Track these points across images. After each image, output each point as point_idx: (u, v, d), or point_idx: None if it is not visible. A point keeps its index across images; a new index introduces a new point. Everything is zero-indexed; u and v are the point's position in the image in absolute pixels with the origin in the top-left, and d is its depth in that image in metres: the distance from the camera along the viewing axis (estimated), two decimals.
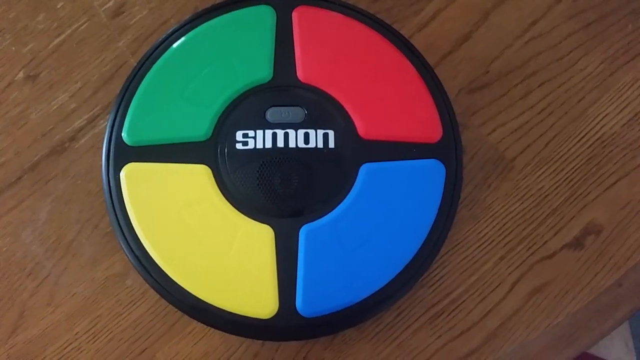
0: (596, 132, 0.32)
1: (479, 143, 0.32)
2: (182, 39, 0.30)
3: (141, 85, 0.29)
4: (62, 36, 0.34)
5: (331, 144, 0.28)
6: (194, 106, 0.29)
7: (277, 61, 0.30)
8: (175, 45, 0.30)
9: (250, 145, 0.28)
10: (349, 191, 0.28)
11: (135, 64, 0.30)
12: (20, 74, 0.33)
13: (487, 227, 0.31)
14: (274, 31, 0.30)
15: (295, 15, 0.30)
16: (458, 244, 0.31)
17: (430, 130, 0.29)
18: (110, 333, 0.30)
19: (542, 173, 0.32)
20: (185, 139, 0.28)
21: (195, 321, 0.28)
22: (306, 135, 0.28)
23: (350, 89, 0.29)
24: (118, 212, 0.28)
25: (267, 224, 0.27)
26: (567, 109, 0.32)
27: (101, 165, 0.29)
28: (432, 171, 0.28)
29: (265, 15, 0.30)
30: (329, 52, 0.30)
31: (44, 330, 0.30)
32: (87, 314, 0.30)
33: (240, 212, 0.28)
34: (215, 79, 0.29)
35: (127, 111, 0.29)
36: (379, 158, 0.28)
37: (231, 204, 0.28)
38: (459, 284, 0.30)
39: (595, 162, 0.32)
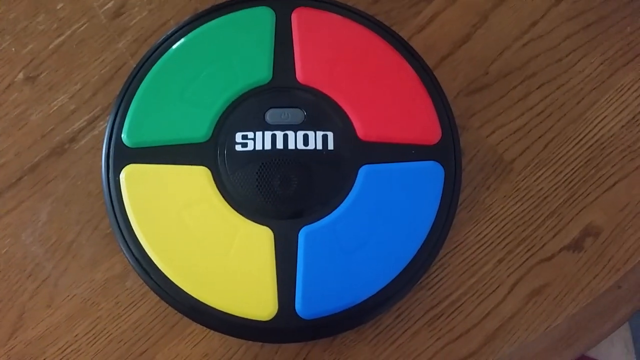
0: (595, 134, 0.32)
1: (478, 145, 0.32)
2: (182, 40, 0.30)
3: (141, 87, 0.30)
4: (62, 37, 0.34)
5: (330, 146, 0.28)
6: (193, 107, 0.29)
7: (276, 63, 0.30)
8: (174, 46, 0.30)
9: (250, 147, 0.28)
10: (348, 193, 0.28)
11: (134, 65, 0.30)
12: (20, 75, 0.33)
13: (486, 228, 0.31)
14: (274, 33, 0.30)
15: (294, 16, 0.30)
16: (457, 245, 0.31)
17: (429, 132, 0.29)
18: (110, 335, 0.30)
19: (541, 175, 0.32)
20: (184, 141, 0.29)
21: (195, 323, 0.28)
22: (305, 137, 0.28)
23: (349, 91, 0.29)
24: (118, 214, 0.28)
25: (267, 226, 0.27)
26: (566, 111, 0.32)
27: (101, 167, 0.29)
28: (431, 173, 0.29)
29: (264, 17, 0.30)
30: (328, 54, 0.30)
31: (44, 332, 0.30)
32: (86, 316, 0.30)
33: (240, 213, 0.28)
34: (215, 81, 0.29)
35: (126, 112, 0.29)
36: (378, 160, 0.28)
37: (230, 205, 0.28)
38: (458, 286, 0.30)
39: (594, 164, 0.32)
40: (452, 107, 0.30)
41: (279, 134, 0.28)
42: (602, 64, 0.33)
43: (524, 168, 0.32)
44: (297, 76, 0.30)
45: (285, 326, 0.27)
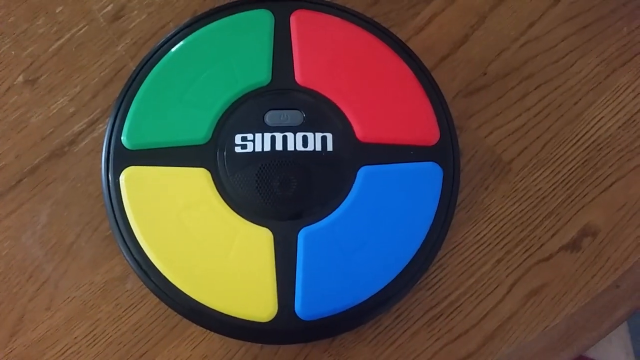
0: (592, 135, 0.32)
1: (476, 145, 0.32)
2: (181, 42, 0.30)
3: (140, 89, 0.30)
4: (62, 40, 0.34)
5: (329, 147, 0.28)
6: (193, 110, 0.29)
7: (275, 65, 0.30)
8: (174, 49, 0.30)
9: (249, 149, 0.28)
10: (347, 194, 0.28)
11: (134, 68, 0.30)
12: (20, 78, 0.33)
13: (484, 229, 0.31)
14: (273, 35, 0.30)
15: (293, 19, 0.31)
16: (456, 246, 0.31)
17: (428, 133, 0.29)
18: (109, 337, 0.30)
19: (539, 175, 0.32)
20: (184, 143, 0.29)
21: (195, 325, 0.28)
22: (305, 139, 0.28)
23: (348, 92, 0.30)
24: (118, 216, 0.28)
25: (266, 227, 0.28)
26: (563, 112, 0.33)
27: (101, 169, 0.29)
28: (430, 174, 0.29)
29: (263, 19, 0.31)
30: (327, 56, 0.30)
31: (44, 334, 0.30)
32: (86, 318, 0.30)
33: (239, 215, 0.28)
34: (214, 83, 0.30)
35: (126, 115, 0.29)
36: (377, 161, 0.28)
37: (230, 207, 0.28)
38: (457, 286, 0.30)
39: (592, 164, 0.32)
40: (450, 108, 0.30)
41: (279, 136, 0.28)
42: (599, 64, 0.33)
43: (522, 168, 0.32)
44: (296, 78, 0.30)
45: (284, 327, 0.27)
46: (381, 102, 0.30)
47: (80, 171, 0.32)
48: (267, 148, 0.28)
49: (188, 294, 0.27)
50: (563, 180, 0.32)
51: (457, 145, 0.29)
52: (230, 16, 0.31)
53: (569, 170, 0.32)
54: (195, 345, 0.30)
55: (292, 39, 0.30)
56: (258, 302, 0.27)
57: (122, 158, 0.29)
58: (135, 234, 0.28)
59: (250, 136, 0.28)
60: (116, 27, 0.34)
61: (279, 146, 0.28)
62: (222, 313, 0.27)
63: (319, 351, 0.30)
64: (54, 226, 0.31)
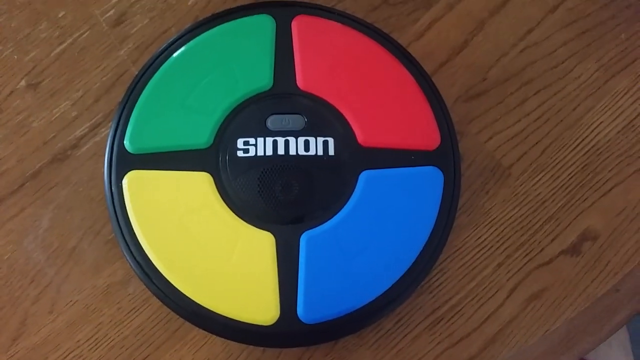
0: (591, 140, 0.33)
1: (476, 150, 0.32)
2: (183, 47, 0.31)
3: (143, 94, 0.30)
4: (64, 45, 0.34)
5: (331, 151, 0.28)
6: (195, 114, 0.29)
7: (277, 69, 0.30)
8: (176, 54, 0.30)
9: (251, 153, 0.28)
10: (348, 198, 0.28)
11: (136, 73, 0.31)
12: (22, 82, 0.33)
13: (485, 233, 0.31)
14: (274, 40, 0.31)
15: (294, 24, 0.31)
16: (457, 250, 0.31)
17: (428, 137, 0.30)
18: (112, 341, 0.30)
19: (539, 180, 0.32)
20: (186, 147, 0.29)
21: (197, 328, 0.28)
22: (306, 143, 0.28)
23: (349, 97, 0.30)
24: (120, 220, 0.28)
25: (268, 231, 0.28)
26: (562, 117, 0.33)
27: (103, 173, 0.29)
28: (431, 178, 0.29)
29: (265, 25, 0.31)
30: (328, 61, 0.30)
31: (46, 338, 0.30)
32: (88, 322, 0.30)
33: (242, 219, 0.28)
34: (216, 87, 0.30)
35: (129, 119, 0.29)
36: (378, 165, 0.29)
37: (232, 210, 0.28)
38: (458, 290, 0.30)
39: (591, 169, 0.32)
40: (450, 113, 0.30)
41: (280, 140, 0.28)
42: (597, 70, 0.33)
43: (522, 173, 0.32)
44: (297, 83, 0.30)
45: (287, 331, 0.27)
46: (382, 107, 0.30)
47: (82, 175, 0.32)
48: (269, 152, 0.28)
49: (190, 297, 0.27)
50: (563, 185, 0.32)
51: (457, 150, 0.30)
52: (232, 21, 0.31)
53: (568, 175, 0.32)
54: (197, 349, 0.30)
55: (294, 44, 0.30)
56: (260, 306, 0.27)
57: (125, 162, 0.29)
58: (138, 238, 0.28)
59: (252, 140, 0.29)
60: (118, 32, 0.34)
61: (280, 150, 0.28)
62: (224, 316, 0.27)
63: (320, 354, 0.30)
64: (56, 230, 0.31)
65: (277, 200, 0.28)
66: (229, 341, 0.29)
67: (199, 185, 0.28)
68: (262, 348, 0.30)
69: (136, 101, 0.30)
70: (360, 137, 0.29)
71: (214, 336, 0.29)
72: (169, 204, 0.28)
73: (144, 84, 0.30)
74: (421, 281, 0.28)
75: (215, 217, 0.28)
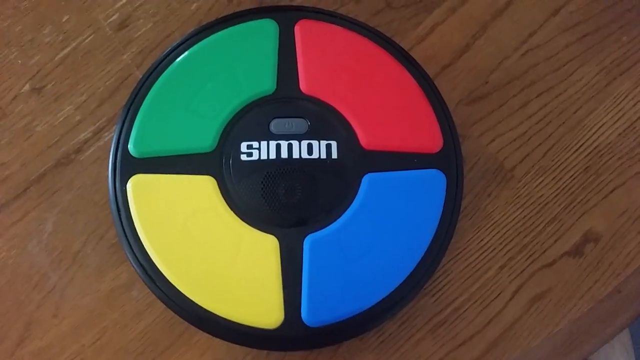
0: (593, 142, 0.33)
1: (478, 153, 0.32)
2: (187, 52, 0.31)
3: (147, 98, 0.30)
4: (68, 49, 0.34)
5: (334, 155, 0.29)
6: (199, 118, 0.29)
7: (280, 73, 0.30)
8: (180, 58, 0.31)
9: (255, 156, 0.28)
10: (352, 201, 0.28)
11: (140, 77, 0.31)
12: (26, 87, 0.34)
13: (488, 235, 0.31)
14: (277, 44, 0.31)
15: (297, 28, 0.31)
16: (460, 252, 0.31)
17: (431, 140, 0.30)
18: (116, 345, 0.30)
19: (541, 182, 0.32)
20: (190, 151, 0.29)
21: (201, 331, 0.28)
22: (309, 146, 0.29)
23: (352, 101, 0.30)
24: (124, 223, 0.28)
25: (272, 234, 0.28)
26: (564, 119, 0.33)
27: (107, 177, 0.29)
28: (434, 181, 0.29)
29: (268, 29, 0.31)
30: (330, 65, 0.31)
31: (50, 342, 0.30)
32: (93, 326, 0.30)
33: (245, 222, 0.28)
34: (220, 91, 0.30)
35: (133, 123, 0.30)
36: (381, 168, 0.29)
37: (236, 214, 0.28)
38: (461, 293, 0.31)
39: (593, 170, 0.32)
40: (452, 116, 0.30)
41: (284, 144, 0.28)
42: (599, 73, 0.34)
43: (525, 175, 0.32)
44: (300, 87, 0.30)
45: (291, 334, 0.27)
46: (385, 110, 0.30)
47: (86, 179, 0.32)
48: (273, 156, 0.28)
49: (194, 300, 0.27)
50: (565, 187, 0.32)
51: (460, 152, 0.30)
52: (235, 26, 0.31)
53: (570, 177, 0.32)
54: (201, 353, 0.30)
55: (297, 48, 0.31)
56: (264, 309, 0.27)
57: (129, 166, 0.29)
58: (142, 242, 0.28)
59: (255, 144, 0.29)
60: (122, 36, 0.34)
61: (284, 154, 0.28)
62: (228, 320, 0.27)
63: (324, 358, 0.30)
64: (60, 234, 0.31)
65: (281, 203, 0.28)
66: (233, 344, 0.29)
67: (202, 189, 0.28)
68: (266, 351, 0.30)
69: (140, 105, 0.30)
70: (363, 141, 0.29)
71: (218, 340, 0.29)
72: (173, 207, 0.28)
73: (147, 88, 0.30)
74: (424, 284, 0.28)
75: (219, 221, 0.28)
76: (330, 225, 0.28)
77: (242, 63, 0.30)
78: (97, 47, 0.34)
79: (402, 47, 0.32)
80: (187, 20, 0.35)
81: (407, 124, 0.30)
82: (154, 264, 0.28)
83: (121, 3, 0.35)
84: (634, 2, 0.35)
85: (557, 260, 0.31)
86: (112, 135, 0.30)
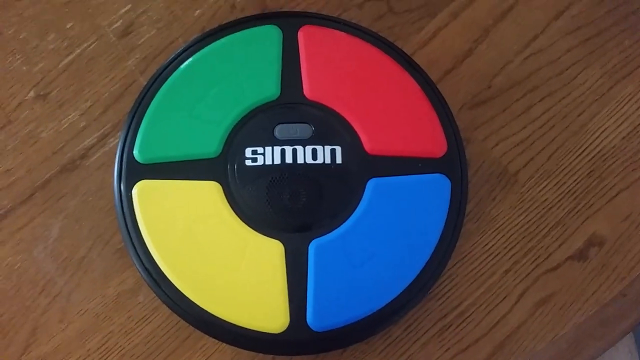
0: (597, 146, 0.33)
1: (482, 157, 0.33)
2: (191, 58, 0.31)
3: (152, 104, 0.30)
4: (72, 55, 0.34)
5: (338, 160, 0.29)
6: (204, 124, 0.30)
7: (284, 79, 0.30)
8: (184, 64, 0.31)
9: (260, 162, 0.29)
10: (356, 206, 0.28)
11: (145, 83, 0.31)
12: (31, 93, 0.34)
13: (492, 239, 0.31)
14: (281, 50, 0.31)
15: (300, 34, 0.31)
16: (465, 256, 0.31)
17: (435, 145, 0.30)
18: (122, 349, 0.30)
19: (545, 186, 0.32)
20: (195, 156, 0.29)
21: (207, 336, 0.29)
22: (314, 152, 0.29)
23: (355, 106, 0.30)
24: (130, 229, 0.28)
25: (277, 239, 0.28)
26: (568, 123, 0.33)
27: (113, 183, 0.29)
28: (438, 185, 0.29)
29: (271, 35, 0.31)
30: (334, 70, 0.31)
31: (57, 347, 0.30)
32: (99, 331, 0.30)
33: (251, 227, 0.28)
34: (224, 97, 0.30)
35: (138, 129, 0.30)
36: (386, 173, 0.29)
37: (241, 219, 0.28)
38: (466, 297, 0.31)
39: (597, 174, 0.32)
40: (456, 121, 0.31)
41: (288, 149, 0.29)
42: (601, 77, 0.34)
43: (529, 179, 0.32)
44: (304, 92, 0.30)
45: (296, 338, 0.27)
46: (388, 114, 0.30)
47: (91, 185, 0.32)
48: (277, 161, 0.28)
49: (200, 305, 0.27)
50: (569, 191, 0.32)
51: (464, 157, 0.30)
52: (239, 32, 0.31)
53: (574, 180, 0.32)
54: (207, 357, 0.30)
55: (300, 54, 0.31)
56: (270, 314, 0.27)
57: (135, 172, 0.29)
58: (148, 247, 0.28)
59: (260, 149, 0.29)
60: (126, 43, 0.34)
61: (288, 159, 0.28)
62: (234, 324, 0.27)
63: None
64: (66, 240, 0.31)
65: (286, 208, 0.28)
66: (238, 349, 0.29)
67: (208, 194, 0.28)
68: (271, 356, 0.30)
69: (145, 111, 0.30)
70: (367, 145, 0.29)
71: (224, 344, 0.29)
72: (179, 213, 0.28)
73: (152, 94, 0.30)
74: (430, 288, 0.28)
75: (225, 226, 0.28)
76: (335, 230, 0.28)
77: (246, 69, 0.30)
78: (101, 53, 0.34)
79: (405, 51, 0.32)
80: (191, 26, 0.35)
81: (411, 129, 0.30)
82: (159, 268, 0.28)
83: (124, 10, 0.35)
84: (636, 5, 0.35)
85: (562, 264, 0.31)
86: (116, 141, 0.31)
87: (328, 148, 0.29)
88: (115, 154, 0.30)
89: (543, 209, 0.32)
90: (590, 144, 0.33)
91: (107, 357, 0.30)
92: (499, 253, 0.31)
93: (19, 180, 0.32)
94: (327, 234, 0.28)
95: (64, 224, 0.32)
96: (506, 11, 0.35)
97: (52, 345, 0.30)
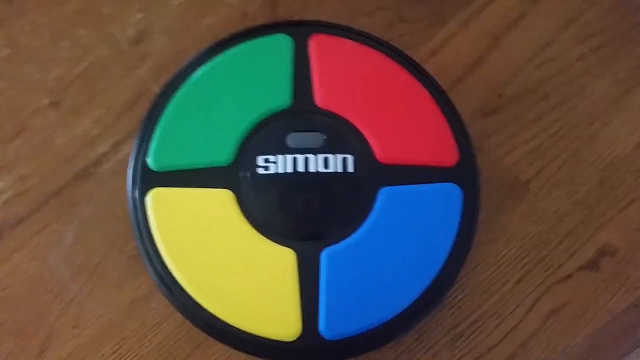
0: (608, 155, 0.33)
1: (494, 166, 0.33)
2: (203, 67, 0.31)
3: (165, 112, 0.30)
4: (85, 63, 0.35)
5: (350, 169, 0.29)
6: (216, 132, 0.30)
7: (296, 88, 0.30)
8: (196, 73, 0.31)
9: (272, 170, 0.29)
10: (368, 215, 0.28)
11: (157, 91, 0.31)
12: (45, 101, 0.34)
13: (504, 249, 0.31)
14: (292, 59, 0.31)
15: (311, 43, 0.31)
16: (476, 266, 0.31)
17: (447, 154, 0.30)
18: (135, 356, 0.30)
19: (557, 195, 0.32)
20: (208, 164, 0.29)
21: (219, 343, 0.29)
22: (326, 160, 0.29)
23: (367, 114, 0.30)
24: (144, 236, 0.28)
25: (290, 247, 0.28)
26: (579, 132, 0.33)
27: (127, 191, 0.30)
28: (450, 195, 0.29)
29: (282, 44, 0.31)
30: (345, 79, 0.31)
31: (71, 353, 0.30)
32: (112, 337, 0.30)
33: (263, 235, 0.28)
34: (237, 106, 0.30)
35: (152, 137, 0.30)
36: (397, 182, 0.29)
37: (254, 227, 0.28)
38: (479, 306, 0.31)
39: (609, 184, 0.32)
40: (467, 129, 0.31)
41: (300, 158, 0.29)
42: (613, 85, 0.34)
43: (540, 189, 0.32)
44: (316, 101, 0.30)
45: (309, 347, 0.27)
46: (400, 123, 0.30)
47: (105, 193, 0.32)
48: (290, 170, 0.29)
49: (213, 312, 0.27)
50: (580, 201, 0.32)
51: (476, 166, 0.30)
52: (250, 41, 0.32)
53: (586, 190, 0.32)
54: None
55: (311, 63, 0.31)
56: (282, 322, 0.27)
57: (148, 180, 0.29)
58: (161, 254, 0.28)
59: (272, 158, 0.29)
60: (138, 51, 0.35)
61: (301, 168, 0.29)
62: (246, 332, 0.27)
63: None
64: (80, 246, 0.32)
65: (298, 217, 0.28)
66: (251, 357, 0.29)
67: (221, 202, 0.29)
68: None
69: (158, 119, 0.30)
70: (379, 154, 0.29)
71: (236, 352, 0.30)
72: (192, 221, 0.29)
73: (165, 102, 0.31)
74: (442, 297, 0.28)
75: (237, 234, 0.28)
76: (348, 239, 0.28)
77: (258, 78, 0.31)
78: (114, 62, 0.35)
79: (416, 60, 0.32)
80: (202, 35, 0.35)
81: (423, 138, 0.30)
82: (173, 276, 0.28)
83: (137, 18, 0.35)
84: None
85: (574, 275, 0.31)
86: (130, 149, 0.31)
87: (340, 157, 0.29)
88: (129, 162, 0.30)
89: (555, 218, 0.32)
90: (602, 153, 0.33)
91: None
92: (511, 263, 0.31)
93: (34, 187, 0.33)
94: (339, 243, 0.28)
95: (78, 231, 0.32)
96: (517, 20, 0.35)
97: (66, 351, 0.30)
